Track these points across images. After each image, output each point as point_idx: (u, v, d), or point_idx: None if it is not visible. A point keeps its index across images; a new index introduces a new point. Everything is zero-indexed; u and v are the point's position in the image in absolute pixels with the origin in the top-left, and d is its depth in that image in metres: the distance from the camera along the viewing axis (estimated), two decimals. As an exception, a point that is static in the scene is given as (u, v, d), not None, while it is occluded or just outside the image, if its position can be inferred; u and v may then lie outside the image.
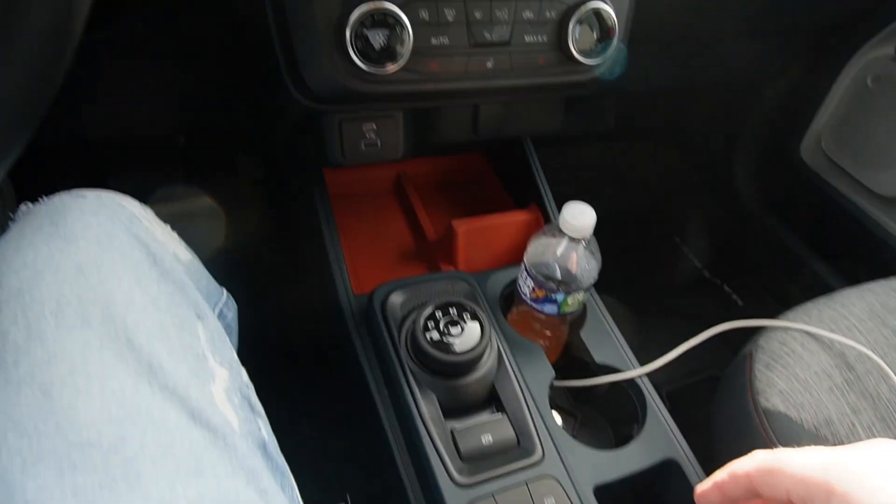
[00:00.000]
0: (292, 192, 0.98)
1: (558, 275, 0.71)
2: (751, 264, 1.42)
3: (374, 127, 0.72)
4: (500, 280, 0.83)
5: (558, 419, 0.79)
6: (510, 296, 0.81)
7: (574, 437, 0.78)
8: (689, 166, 1.55)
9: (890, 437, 0.56)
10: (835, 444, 0.67)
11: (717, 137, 1.47)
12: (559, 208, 0.92)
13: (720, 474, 0.44)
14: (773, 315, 1.26)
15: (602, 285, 0.74)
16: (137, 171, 1.20)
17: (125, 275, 0.44)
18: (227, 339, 0.50)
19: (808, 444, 0.64)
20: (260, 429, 0.48)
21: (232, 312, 0.61)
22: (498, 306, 0.79)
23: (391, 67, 0.61)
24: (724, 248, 1.48)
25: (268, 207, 1.22)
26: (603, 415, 0.81)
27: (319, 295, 0.88)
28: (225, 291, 0.61)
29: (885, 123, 1.09)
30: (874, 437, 0.69)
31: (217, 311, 0.58)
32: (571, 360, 0.81)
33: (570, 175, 1.47)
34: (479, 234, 0.89)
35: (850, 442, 0.69)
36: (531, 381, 0.72)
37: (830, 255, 1.25)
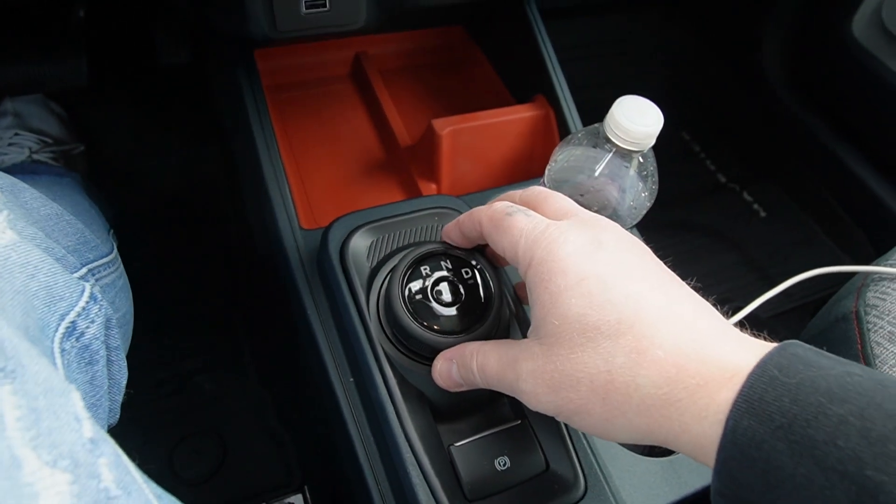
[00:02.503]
0: (217, 83, 0.72)
1: (594, 202, 0.49)
2: (776, 167, 1.20)
3: (320, -22, 0.46)
4: (501, 204, 0.61)
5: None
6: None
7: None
8: (704, 43, 1.30)
9: None
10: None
11: (741, 6, 1.21)
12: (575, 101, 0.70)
13: (464, 215, 0.41)
14: (812, 236, 1.04)
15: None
16: (23, 57, 0.92)
17: None
18: (71, 392, 0.26)
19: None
20: None
21: (98, 321, 0.37)
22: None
23: None
24: (744, 148, 1.26)
25: (195, 102, 0.95)
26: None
27: (257, 228, 0.64)
28: (87, 287, 0.36)
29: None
30: None
31: (62, 331, 0.33)
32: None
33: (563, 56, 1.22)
34: (469, 137, 0.66)
35: None
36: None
37: (882, 157, 1.03)
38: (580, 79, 1.02)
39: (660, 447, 0.54)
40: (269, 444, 0.87)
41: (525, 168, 0.68)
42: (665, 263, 0.37)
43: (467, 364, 0.37)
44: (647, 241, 0.56)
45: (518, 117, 0.67)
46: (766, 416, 0.26)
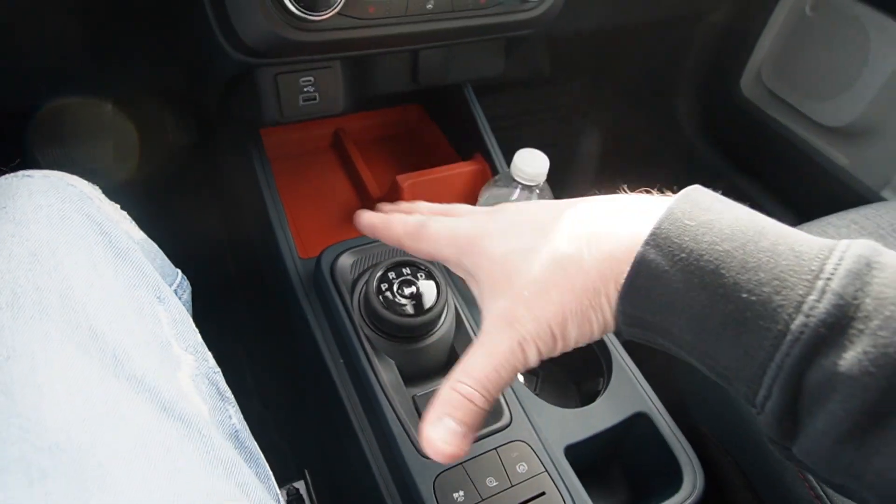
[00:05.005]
0: (228, 156, 0.91)
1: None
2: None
3: (312, 80, 0.67)
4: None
5: (520, 377, 0.77)
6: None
7: (538, 395, 0.77)
8: (629, 104, 1.53)
9: None
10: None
11: (657, 75, 1.45)
12: (505, 157, 0.90)
13: (380, 223, 0.50)
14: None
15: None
16: (62, 142, 1.11)
17: (81, 258, 0.41)
18: (190, 321, 0.46)
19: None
20: (231, 416, 0.45)
21: (187, 293, 0.56)
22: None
23: (327, 13, 0.56)
24: (667, 189, 1.47)
25: (204, 173, 1.15)
26: (565, 371, 0.79)
27: (264, 262, 0.82)
28: (179, 272, 0.56)
29: (825, 52, 1.08)
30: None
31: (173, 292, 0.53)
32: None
33: (510, 122, 1.43)
34: (425, 188, 0.85)
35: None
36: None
37: (776, 189, 1.26)
38: (518, 141, 1.23)
39: (584, 397, 0.70)
40: (270, 454, 1.02)
41: (469, 208, 0.88)
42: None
43: (458, 401, 0.37)
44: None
45: (462, 171, 0.87)
46: (668, 251, 0.31)
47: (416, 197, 0.85)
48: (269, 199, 0.75)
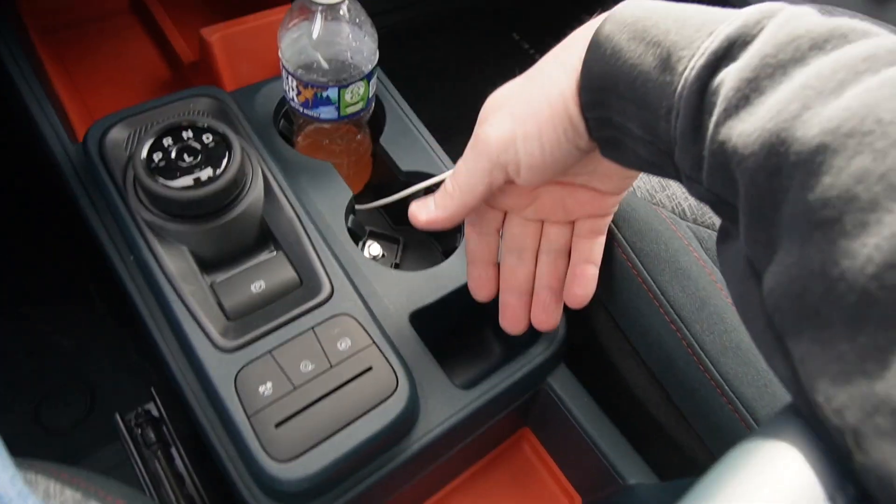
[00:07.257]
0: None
1: (323, 63, 0.55)
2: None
3: None
4: (274, 93, 0.66)
5: (377, 248, 0.67)
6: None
7: (397, 264, 0.67)
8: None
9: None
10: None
11: None
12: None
13: None
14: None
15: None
16: None
17: None
18: None
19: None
20: None
21: None
22: (273, 127, 0.63)
23: None
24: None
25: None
26: (430, 234, 0.69)
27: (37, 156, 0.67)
28: None
29: None
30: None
31: None
32: (384, 175, 0.67)
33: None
34: (240, 40, 0.69)
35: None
36: (323, 206, 0.57)
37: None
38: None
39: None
40: (133, 378, 0.91)
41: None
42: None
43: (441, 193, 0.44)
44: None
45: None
46: (620, 21, 0.35)
47: (230, 53, 0.70)
48: (19, 78, 0.59)
